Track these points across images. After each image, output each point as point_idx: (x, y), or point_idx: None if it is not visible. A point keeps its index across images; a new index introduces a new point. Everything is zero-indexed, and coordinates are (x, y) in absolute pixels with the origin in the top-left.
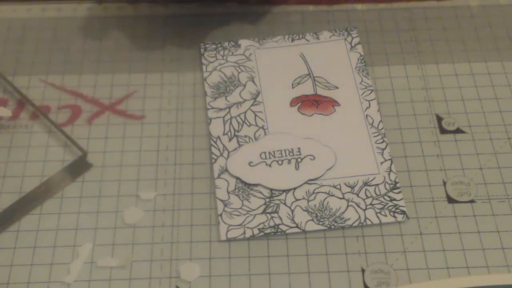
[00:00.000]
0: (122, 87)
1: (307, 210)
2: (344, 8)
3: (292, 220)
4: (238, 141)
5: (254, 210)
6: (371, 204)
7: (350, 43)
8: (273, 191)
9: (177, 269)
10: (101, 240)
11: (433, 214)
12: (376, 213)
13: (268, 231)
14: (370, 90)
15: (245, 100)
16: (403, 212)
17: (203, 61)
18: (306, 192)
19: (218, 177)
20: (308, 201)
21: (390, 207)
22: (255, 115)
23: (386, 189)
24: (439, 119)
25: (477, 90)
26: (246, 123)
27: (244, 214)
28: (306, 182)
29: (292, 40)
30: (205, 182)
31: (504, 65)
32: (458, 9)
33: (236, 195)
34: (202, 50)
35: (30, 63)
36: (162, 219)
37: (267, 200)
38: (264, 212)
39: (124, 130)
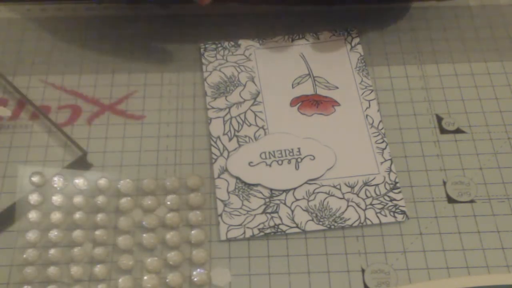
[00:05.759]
0: (122, 87)
1: (307, 210)
2: (344, 8)
3: (292, 220)
4: (238, 141)
5: (254, 210)
6: (371, 204)
7: (350, 43)
8: (273, 191)
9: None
10: None
11: (433, 214)
12: (376, 213)
13: (268, 231)
14: (370, 90)
15: (245, 100)
16: (403, 212)
17: (203, 61)
18: (306, 192)
19: (218, 177)
20: (308, 201)
21: (390, 207)
22: (255, 115)
23: (386, 189)
24: (439, 119)
25: (477, 90)
26: (246, 123)
27: (244, 214)
28: (306, 182)
29: (292, 40)
30: (205, 182)
31: (504, 65)
32: (458, 9)
33: (236, 195)
34: (202, 50)
35: (30, 63)
36: None
37: (267, 200)
38: (264, 212)
39: (124, 130)
